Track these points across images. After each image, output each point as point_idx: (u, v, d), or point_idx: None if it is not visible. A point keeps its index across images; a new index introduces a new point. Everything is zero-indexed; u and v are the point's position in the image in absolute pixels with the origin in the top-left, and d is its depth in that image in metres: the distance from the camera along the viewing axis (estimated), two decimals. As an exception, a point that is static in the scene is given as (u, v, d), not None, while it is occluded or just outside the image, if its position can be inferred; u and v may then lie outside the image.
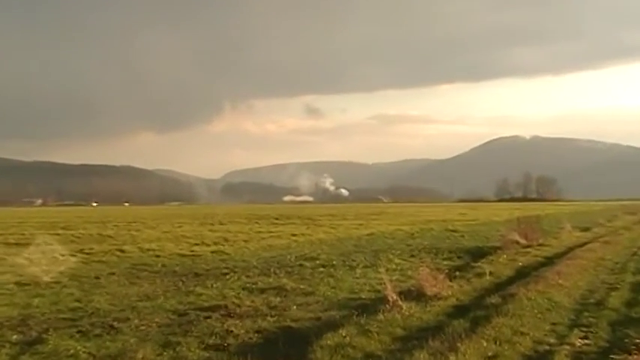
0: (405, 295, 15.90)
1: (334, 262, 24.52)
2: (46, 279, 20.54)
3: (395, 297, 15.05)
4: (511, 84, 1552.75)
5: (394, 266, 23.32)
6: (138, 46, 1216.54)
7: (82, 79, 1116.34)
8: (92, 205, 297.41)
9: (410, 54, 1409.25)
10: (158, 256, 27.97)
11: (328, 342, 11.52)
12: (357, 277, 20.39)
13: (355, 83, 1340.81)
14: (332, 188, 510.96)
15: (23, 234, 46.18)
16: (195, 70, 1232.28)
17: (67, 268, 23.76)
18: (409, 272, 21.06)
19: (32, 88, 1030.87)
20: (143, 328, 12.96)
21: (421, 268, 18.80)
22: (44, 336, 12.06)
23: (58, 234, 45.79)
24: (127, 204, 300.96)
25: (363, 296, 16.81)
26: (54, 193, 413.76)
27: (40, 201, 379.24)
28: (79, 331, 12.60)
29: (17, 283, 19.63)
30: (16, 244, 36.82)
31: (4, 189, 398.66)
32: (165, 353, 10.96)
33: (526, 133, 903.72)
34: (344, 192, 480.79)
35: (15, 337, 12.16)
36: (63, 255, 27.93)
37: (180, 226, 57.27)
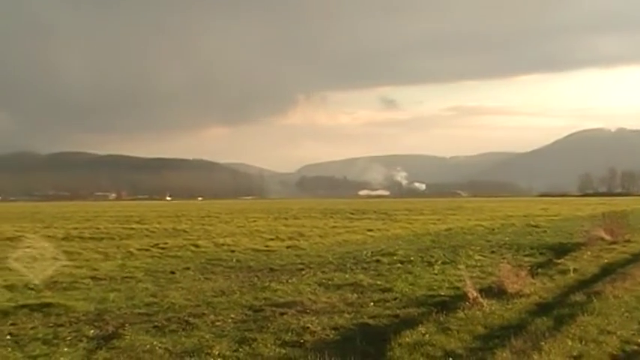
0: (486, 292, 15.70)
1: (412, 258, 24.35)
2: (121, 274, 20.90)
3: (475, 294, 14.86)
4: (594, 74, 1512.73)
5: (474, 262, 23.06)
6: (211, 39, 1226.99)
7: (155, 74, 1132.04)
8: (166, 199, 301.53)
9: (487, 44, 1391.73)
10: (233, 251, 28.19)
11: (407, 340, 11.44)
12: (435, 274, 20.21)
13: (432, 74, 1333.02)
14: (405, 182, 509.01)
15: (98, 228, 47.20)
16: (269, 63, 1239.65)
17: (141, 262, 24.15)
18: (489, 269, 20.79)
19: (107, 84, 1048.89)
20: (219, 323, 13.08)
21: (502, 265, 18.58)
22: (120, 331, 12.28)
23: (132, 228, 46.57)
24: (200, 199, 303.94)
25: (442, 293, 16.63)
26: (127, 186, 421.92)
27: (113, 195, 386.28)
28: (154, 326, 12.79)
29: (93, 278, 20.02)
30: (91, 238, 37.59)
31: (79, 182, 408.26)
32: (241, 349, 11.02)
33: (611, 125, 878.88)
34: (420, 186, 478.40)
35: (92, 331, 12.40)
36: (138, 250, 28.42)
37: (254, 221, 57.63)
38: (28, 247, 30.13)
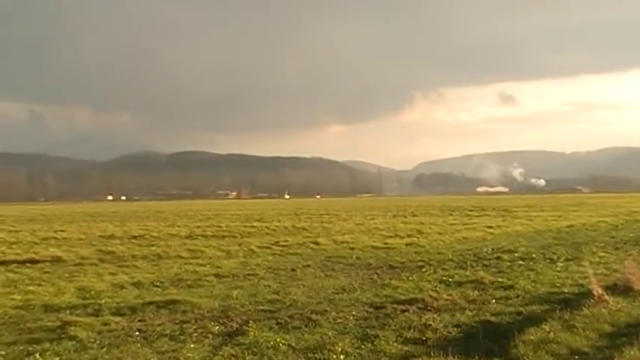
0: (611, 289, 15.22)
1: (533, 255, 23.95)
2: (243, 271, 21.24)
3: (600, 291, 14.46)
4: None
5: (597, 259, 22.44)
6: (327, 38, 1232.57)
7: (274, 73, 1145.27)
8: (285, 197, 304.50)
9: (606, 38, 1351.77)
10: (352, 249, 28.35)
11: (531, 337, 11.22)
12: (558, 271, 19.79)
13: (551, 69, 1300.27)
14: (521, 179, 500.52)
15: (220, 226, 48.14)
16: (386, 60, 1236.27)
17: (262, 260, 24.47)
18: (614, 266, 20.21)
19: (227, 83, 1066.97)
20: (340, 320, 13.13)
21: (627, 262, 18.13)
22: (244, 327, 12.46)
23: (253, 226, 47.31)
24: (318, 196, 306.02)
25: (566, 290, 16.23)
26: (247, 185, 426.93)
27: (234, 193, 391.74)
28: (277, 323, 12.95)
29: (216, 275, 20.48)
30: (214, 236, 38.36)
31: (201, 181, 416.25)
32: (363, 346, 11.04)
33: None
34: (540, 182, 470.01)
35: (217, 328, 12.65)
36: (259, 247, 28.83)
37: (372, 219, 57.78)
38: (153, 245, 31.02)
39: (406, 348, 10.95)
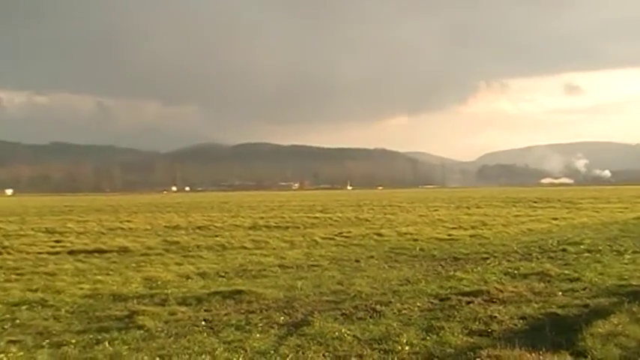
0: (680, 281, 15.06)
1: (600, 247, 23.62)
2: (308, 262, 21.30)
3: (669, 284, 14.27)
4: None
5: (666, 252, 22.16)
6: (391, 29, 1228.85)
7: (337, 65, 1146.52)
8: (347, 188, 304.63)
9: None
10: (416, 240, 28.23)
11: (599, 330, 11.04)
12: (625, 263, 19.51)
13: (618, 59, 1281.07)
14: (584, 170, 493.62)
15: (283, 217, 48.47)
16: (449, 51, 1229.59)
17: (326, 251, 24.51)
18: (683, 258, 19.94)
19: (290, 76, 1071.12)
20: (405, 312, 13.09)
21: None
22: (309, 318, 12.50)
23: (316, 217, 47.50)
24: (380, 188, 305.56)
25: (634, 283, 15.92)
26: (310, 176, 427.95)
27: (296, 184, 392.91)
28: (342, 314, 12.96)
29: (280, 266, 20.60)
30: (277, 226, 38.59)
31: (264, 173, 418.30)
32: (428, 338, 10.99)
33: None
34: (605, 173, 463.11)
35: (282, 318, 12.72)
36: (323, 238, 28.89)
37: (435, 210, 57.56)
38: (217, 235, 31.27)
39: (472, 340, 10.88)
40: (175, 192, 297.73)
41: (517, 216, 45.43)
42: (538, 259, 21.19)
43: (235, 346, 10.63)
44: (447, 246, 26.04)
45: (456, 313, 12.80)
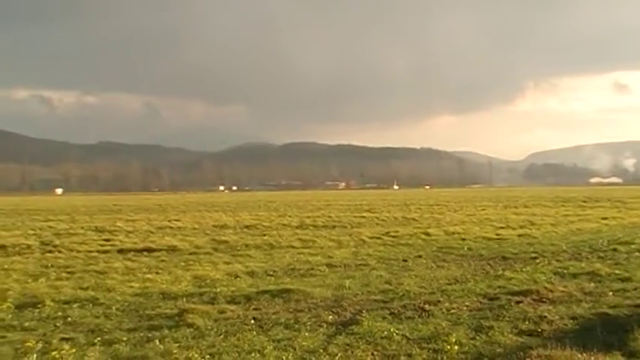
0: None
1: (651, 247, 23.38)
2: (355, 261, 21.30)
3: None
4: None
5: None
6: (437, 28, 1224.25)
7: (383, 64, 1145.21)
8: (394, 188, 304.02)
9: None
10: (464, 239, 28.15)
11: (651, 330, 10.97)
12: (676, 263, 19.31)
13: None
14: (633, 169, 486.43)
15: (330, 216, 48.48)
16: (496, 50, 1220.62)
17: (374, 250, 24.49)
18: None
19: (336, 75, 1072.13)
20: (454, 311, 13.07)
21: None
22: (358, 317, 12.54)
23: (363, 217, 47.48)
24: (427, 187, 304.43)
25: (686, 283, 15.86)
26: (356, 175, 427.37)
27: (343, 184, 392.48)
28: (391, 313, 12.98)
29: (328, 265, 20.64)
30: (324, 226, 38.65)
31: (311, 172, 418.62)
32: (477, 337, 10.97)
33: None
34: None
35: (330, 317, 12.76)
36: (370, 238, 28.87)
37: (483, 209, 57.24)
38: (265, 234, 31.38)
39: (521, 339, 10.84)
40: (224, 191, 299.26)
41: (566, 215, 45.04)
42: (588, 258, 21.03)
43: (284, 345, 10.70)
44: (495, 245, 25.93)
45: (505, 313, 12.76)
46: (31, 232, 36.74)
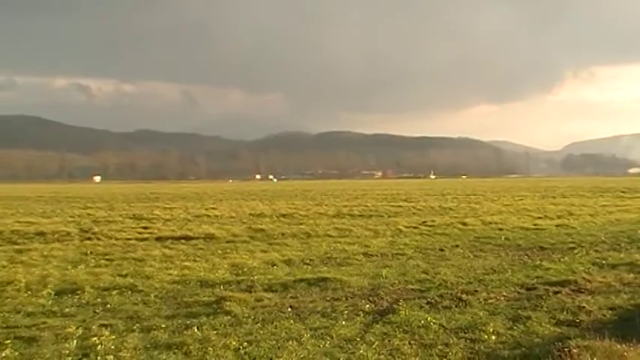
0: None
1: (693, 239, 23.13)
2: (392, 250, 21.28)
3: None
4: None
5: None
6: (477, 18, 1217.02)
7: (421, 53, 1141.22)
8: (430, 178, 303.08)
9: None
10: (501, 229, 27.99)
11: (692, 321, 10.87)
12: None
13: None
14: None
15: (367, 206, 48.45)
16: (535, 39, 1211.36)
17: (410, 240, 24.43)
18: None
19: (373, 65, 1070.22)
20: (491, 301, 13.04)
21: None
22: (395, 306, 12.54)
23: (399, 206, 47.32)
24: (464, 176, 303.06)
25: None
26: (393, 165, 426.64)
27: (379, 173, 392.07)
28: (428, 302, 12.97)
29: (365, 254, 20.64)
30: (361, 215, 38.61)
31: (347, 161, 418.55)
32: (515, 327, 10.93)
33: None
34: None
35: (367, 306, 12.78)
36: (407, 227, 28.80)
37: (520, 199, 56.79)
38: (301, 223, 31.41)
39: (559, 330, 10.79)
40: (261, 179, 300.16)
41: (604, 206, 44.58)
42: (627, 249, 20.87)
43: (321, 333, 10.75)
44: (533, 235, 25.74)
45: (543, 303, 12.71)
46: (70, 219, 37.18)
